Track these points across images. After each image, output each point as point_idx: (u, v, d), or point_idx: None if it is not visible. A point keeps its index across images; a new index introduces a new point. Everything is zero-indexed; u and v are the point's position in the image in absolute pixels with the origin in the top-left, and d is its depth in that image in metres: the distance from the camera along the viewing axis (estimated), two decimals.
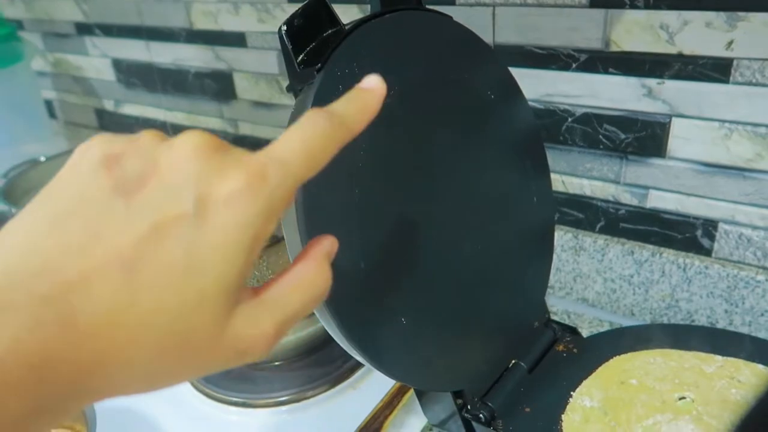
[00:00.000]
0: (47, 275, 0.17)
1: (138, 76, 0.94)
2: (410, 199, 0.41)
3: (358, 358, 0.37)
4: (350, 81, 0.37)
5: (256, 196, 0.18)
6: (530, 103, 0.58)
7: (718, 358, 0.45)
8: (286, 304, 0.21)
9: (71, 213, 0.18)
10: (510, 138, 0.49)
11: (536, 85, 0.57)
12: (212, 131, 0.89)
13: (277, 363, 0.56)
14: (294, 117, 0.37)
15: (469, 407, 0.43)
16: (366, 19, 0.39)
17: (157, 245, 0.18)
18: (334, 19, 0.38)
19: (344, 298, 0.35)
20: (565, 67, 0.55)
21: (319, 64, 0.36)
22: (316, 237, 0.23)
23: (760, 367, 0.45)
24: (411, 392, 0.52)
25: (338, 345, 0.58)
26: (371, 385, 0.54)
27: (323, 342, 0.57)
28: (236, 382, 0.54)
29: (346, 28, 0.38)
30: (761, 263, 0.52)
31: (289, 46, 0.37)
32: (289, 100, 0.78)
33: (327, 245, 0.23)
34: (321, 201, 0.35)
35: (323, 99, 0.36)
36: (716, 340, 0.47)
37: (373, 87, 0.23)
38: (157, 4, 0.84)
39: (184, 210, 0.18)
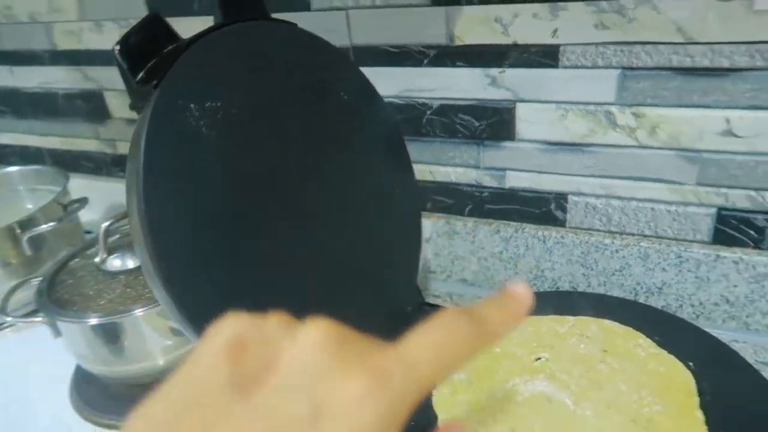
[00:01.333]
0: None
1: (5, 103, 0.90)
2: (271, 202, 0.42)
3: None
4: (192, 96, 0.39)
5: (377, 402, 0.17)
6: (391, 99, 0.61)
7: (570, 318, 0.50)
8: None
9: (188, 410, 0.17)
10: (369, 135, 0.52)
11: (395, 82, 0.60)
12: (88, 153, 0.86)
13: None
14: (136, 134, 0.37)
15: None
16: (206, 32, 0.40)
17: None
18: (171, 35, 0.39)
19: (200, 304, 0.36)
20: (418, 63, 0.58)
21: (155, 81, 0.37)
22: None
23: (606, 321, 0.49)
24: None
25: None
26: None
27: None
28: (115, 403, 0.54)
29: (185, 42, 0.39)
30: (606, 228, 0.58)
31: (124, 66, 0.37)
32: None
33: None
34: (168, 221, 0.36)
35: (161, 115, 0.37)
36: (569, 302, 0.52)
37: (520, 294, 0.22)
38: (17, 27, 0.80)
39: (300, 413, 0.16)
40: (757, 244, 0.53)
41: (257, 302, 0.38)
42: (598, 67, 0.51)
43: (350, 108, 0.50)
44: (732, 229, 0.53)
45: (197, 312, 0.36)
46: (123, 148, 0.83)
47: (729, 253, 0.53)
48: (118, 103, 0.79)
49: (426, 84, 0.59)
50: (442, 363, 0.18)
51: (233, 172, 0.40)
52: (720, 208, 0.53)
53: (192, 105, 0.39)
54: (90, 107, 0.82)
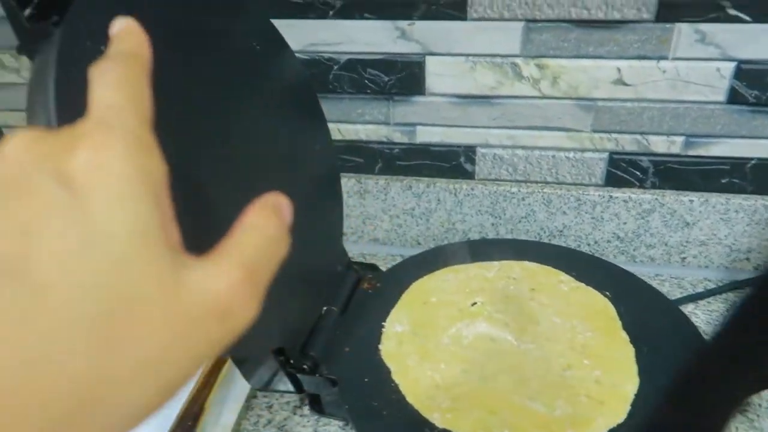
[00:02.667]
0: None
1: None
2: (181, 160, 0.38)
3: None
4: (97, 34, 0.33)
5: (113, 144, 0.17)
6: (297, 54, 0.57)
7: (495, 263, 0.52)
8: (244, 248, 0.18)
9: None
10: (282, 90, 0.48)
11: (299, 36, 0.57)
12: None
13: None
14: (35, 82, 0.31)
15: (291, 361, 0.43)
16: None
17: (40, 238, 0.15)
18: None
19: None
20: (322, 15, 0.55)
21: (56, 17, 0.31)
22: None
23: (527, 263, 0.52)
24: (228, 365, 0.50)
25: None
26: None
27: None
28: None
29: None
30: (513, 177, 0.61)
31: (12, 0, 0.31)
32: (14, 77, 0.66)
33: (274, 200, 0.22)
34: None
35: (68, 56, 0.31)
36: (489, 249, 0.54)
37: (122, 26, 0.23)
38: None
39: (48, 194, 0.16)
40: (642, 184, 0.59)
41: None
42: (505, 20, 0.53)
43: (262, 58, 0.46)
44: (622, 171, 0.58)
45: None
46: None
47: (620, 194, 0.58)
48: None
49: (331, 38, 0.57)
50: (127, 89, 0.19)
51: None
52: (612, 153, 0.58)
53: (102, 47, 0.33)
54: None
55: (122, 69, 0.20)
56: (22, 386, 0.14)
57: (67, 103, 0.31)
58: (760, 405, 0.46)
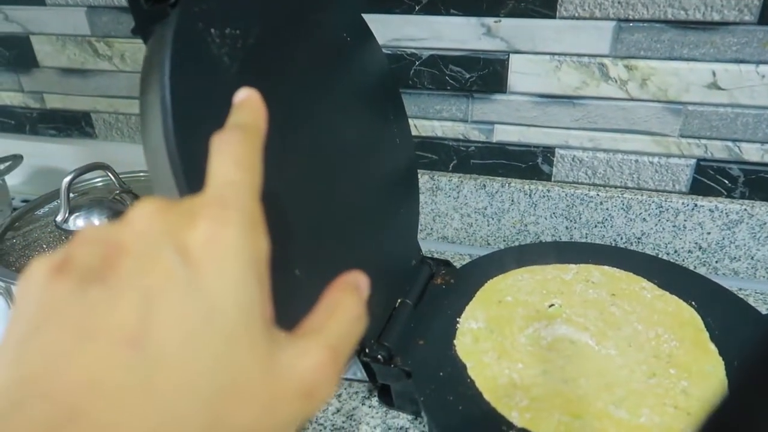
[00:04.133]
0: (38, 388, 0.15)
1: None
2: (277, 152, 0.39)
3: None
4: (213, 20, 0.34)
5: (229, 221, 0.18)
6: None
7: (572, 266, 0.51)
8: (329, 328, 0.19)
9: (39, 329, 0.16)
10: (368, 82, 0.49)
11: (383, 31, 0.57)
12: (10, 108, 0.76)
13: None
14: (149, 63, 0.32)
15: (366, 350, 0.43)
16: None
17: (159, 308, 0.16)
18: None
19: None
20: (408, 10, 0.56)
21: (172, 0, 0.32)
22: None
23: (606, 267, 0.51)
24: None
25: None
26: None
27: None
28: None
29: None
30: (591, 180, 0.59)
31: None
32: (108, 65, 0.69)
33: (354, 279, 0.23)
34: (201, 160, 0.32)
35: (184, 40, 0.32)
36: (566, 252, 0.53)
37: (245, 96, 0.24)
38: None
39: (169, 266, 0.17)
40: (730, 193, 0.56)
41: (278, 246, 0.35)
42: (595, 18, 0.52)
43: (351, 50, 0.47)
44: (709, 179, 0.56)
45: None
46: (53, 101, 0.74)
47: (706, 202, 0.56)
48: (50, 50, 0.70)
49: (416, 33, 0.57)
50: (245, 165, 0.20)
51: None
52: (699, 159, 0.56)
53: (213, 30, 0.34)
54: (12, 54, 0.71)
55: (241, 145, 0.21)
56: None
57: (182, 83, 0.32)
58: None
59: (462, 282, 0.50)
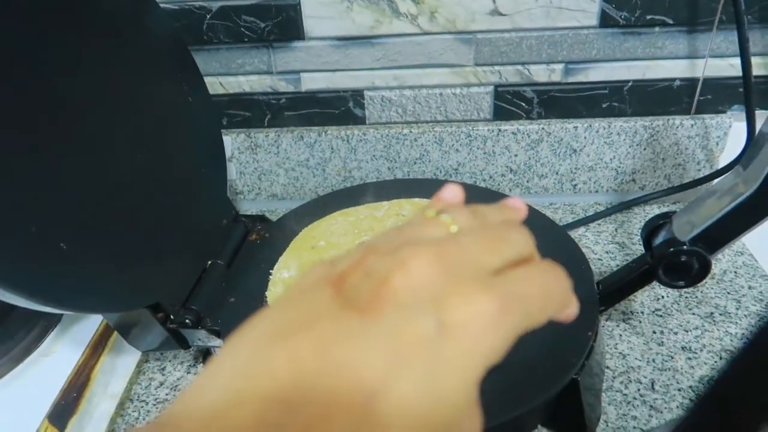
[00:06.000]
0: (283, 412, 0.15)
1: None
2: (52, 123, 0.35)
3: (22, 303, 0.32)
4: None
5: (497, 329, 0.17)
6: (164, 5, 0.54)
7: (384, 203, 0.52)
8: None
9: (300, 328, 0.16)
10: (147, 44, 0.46)
11: None
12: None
13: None
14: None
15: (172, 317, 0.41)
16: None
17: (402, 368, 0.16)
18: None
19: None
20: None
21: None
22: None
23: (417, 199, 0.52)
24: (115, 334, 0.48)
25: (15, 316, 0.50)
26: (70, 344, 0.48)
27: None
28: None
29: None
30: (403, 119, 0.60)
31: None
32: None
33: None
34: None
35: None
36: (381, 191, 0.53)
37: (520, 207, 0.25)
38: None
39: (426, 330, 0.16)
40: (528, 115, 0.60)
41: (33, 222, 0.32)
42: None
43: (123, 11, 0.44)
44: (507, 103, 0.59)
45: None
46: None
47: (508, 126, 0.59)
48: None
49: None
50: (546, 305, 0.20)
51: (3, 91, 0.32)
52: (496, 86, 0.58)
53: None
54: None
55: (562, 284, 0.21)
56: None
57: None
58: (642, 312, 0.48)
59: (277, 235, 0.50)
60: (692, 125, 0.57)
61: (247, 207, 0.64)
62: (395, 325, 0.16)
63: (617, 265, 0.53)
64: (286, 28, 0.55)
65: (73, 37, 0.39)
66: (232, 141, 0.61)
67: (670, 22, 0.53)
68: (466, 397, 0.17)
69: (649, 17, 0.53)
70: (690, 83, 0.57)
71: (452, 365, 0.17)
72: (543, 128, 0.58)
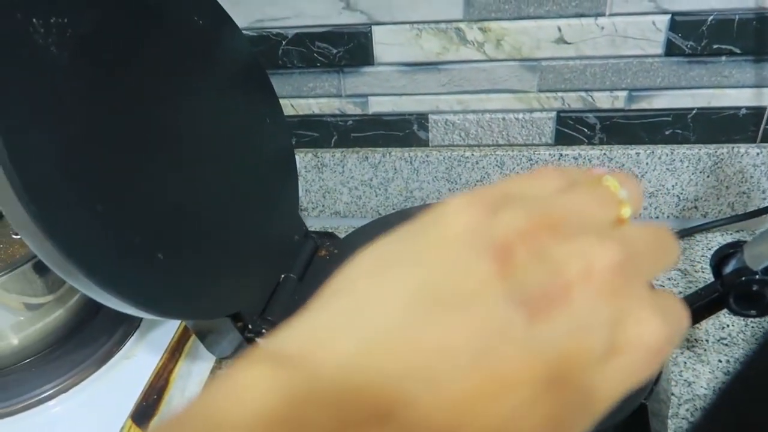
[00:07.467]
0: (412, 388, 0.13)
1: None
2: (137, 132, 0.39)
3: (120, 307, 0.35)
4: (32, 8, 0.33)
5: (656, 358, 0.16)
6: (243, 32, 0.58)
7: None
8: None
9: (452, 306, 0.14)
10: (229, 67, 0.49)
11: (244, 13, 0.57)
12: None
13: (27, 360, 0.49)
14: None
15: (250, 326, 0.43)
16: None
17: (557, 388, 0.14)
18: None
19: (90, 249, 0.32)
20: None
21: None
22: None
23: None
24: (192, 339, 0.50)
25: (98, 321, 0.53)
26: (148, 348, 0.51)
27: (78, 323, 0.52)
28: None
29: None
30: (466, 142, 0.62)
31: None
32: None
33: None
34: (31, 154, 0.31)
35: (2, 31, 0.31)
36: None
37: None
38: None
39: (594, 351, 0.15)
40: (590, 140, 0.60)
41: (138, 234, 0.35)
42: None
43: (206, 34, 0.47)
44: (569, 129, 0.60)
45: (78, 249, 0.32)
46: None
47: (570, 151, 0.60)
48: None
49: (277, 12, 0.57)
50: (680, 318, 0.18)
51: (92, 98, 0.36)
52: (559, 111, 0.59)
53: (35, 20, 0.34)
54: None
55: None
56: None
57: (5, 75, 0.31)
58: (707, 340, 0.48)
59: (345, 251, 0.52)
60: (758, 153, 0.57)
61: (311, 223, 0.67)
62: (562, 336, 0.14)
63: (680, 292, 0.53)
64: (357, 54, 0.58)
65: (172, 67, 0.42)
66: (299, 159, 0.63)
67: (738, 51, 0.54)
68: (602, 407, 0.15)
69: (716, 46, 0.54)
70: (756, 112, 0.57)
71: (606, 386, 0.15)
72: (605, 153, 0.59)
